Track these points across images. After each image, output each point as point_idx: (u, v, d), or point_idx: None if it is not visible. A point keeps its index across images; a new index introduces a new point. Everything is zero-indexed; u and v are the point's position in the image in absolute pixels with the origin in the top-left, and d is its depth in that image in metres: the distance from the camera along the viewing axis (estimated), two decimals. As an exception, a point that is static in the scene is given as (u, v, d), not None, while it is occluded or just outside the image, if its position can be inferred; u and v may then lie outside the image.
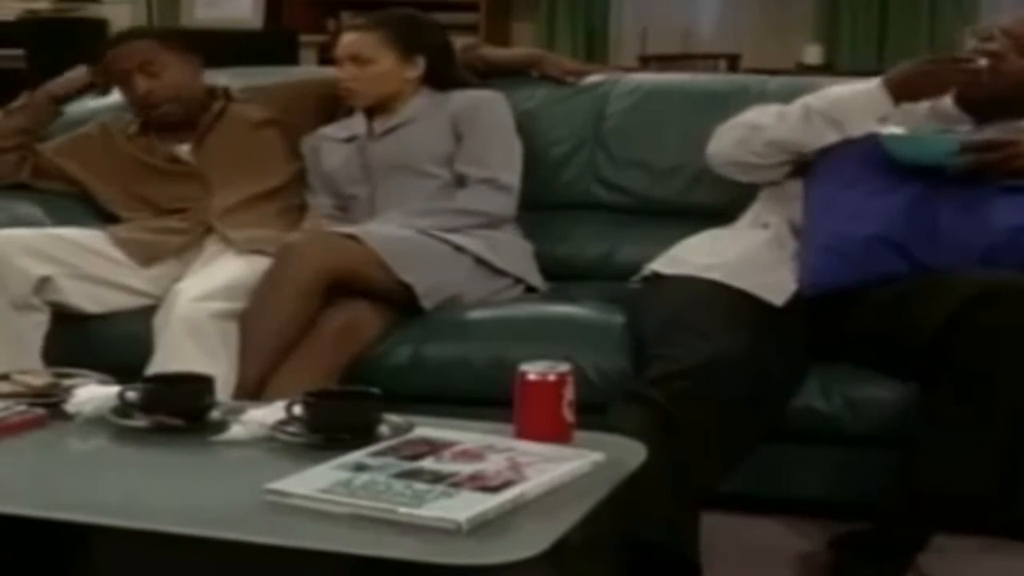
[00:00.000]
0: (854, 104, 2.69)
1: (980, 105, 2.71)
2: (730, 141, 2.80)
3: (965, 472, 2.31)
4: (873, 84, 2.70)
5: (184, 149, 3.19)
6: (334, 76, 3.19)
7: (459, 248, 2.91)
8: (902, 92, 2.68)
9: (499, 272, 2.97)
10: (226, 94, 3.26)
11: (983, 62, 2.67)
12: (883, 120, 2.66)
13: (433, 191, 3.05)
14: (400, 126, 3.12)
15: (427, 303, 2.79)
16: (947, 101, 2.75)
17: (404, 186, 3.06)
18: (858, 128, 2.66)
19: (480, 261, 2.94)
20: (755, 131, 2.76)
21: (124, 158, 3.19)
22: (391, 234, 2.86)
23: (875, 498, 2.43)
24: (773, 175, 2.79)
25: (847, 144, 2.68)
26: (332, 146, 3.17)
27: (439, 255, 2.88)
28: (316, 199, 3.18)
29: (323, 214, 3.13)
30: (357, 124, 3.17)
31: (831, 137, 2.68)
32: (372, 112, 3.16)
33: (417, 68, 3.14)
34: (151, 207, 3.14)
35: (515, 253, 3.05)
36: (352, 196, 3.13)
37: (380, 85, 3.11)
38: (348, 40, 3.14)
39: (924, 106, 2.76)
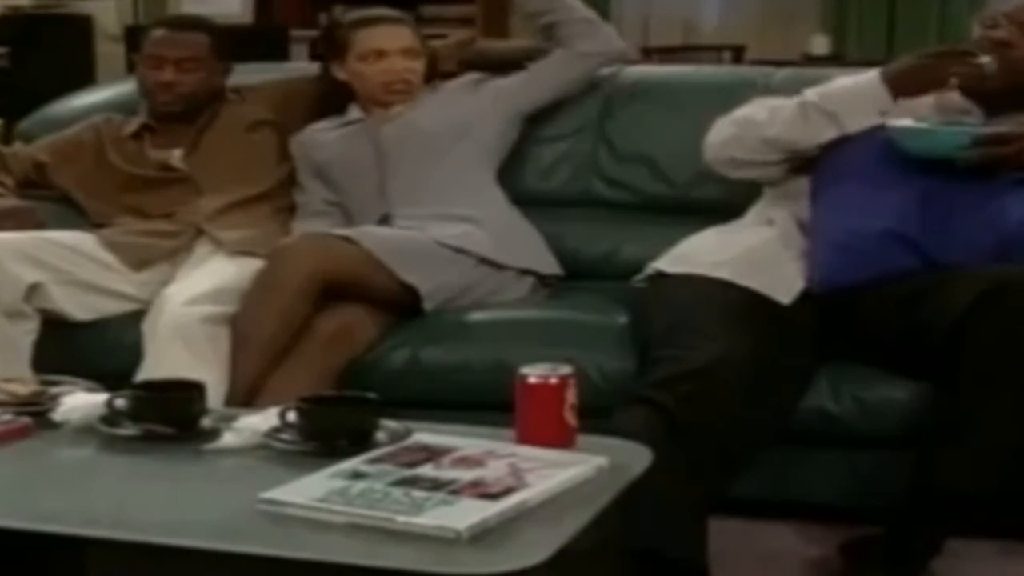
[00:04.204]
0: (852, 99, 2.66)
1: (990, 96, 2.67)
2: (724, 137, 2.77)
3: (981, 472, 2.29)
4: (871, 77, 2.66)
5: (176, 155, 3.17)
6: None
7: (459, 250, 2.87)
8: (901, 87, 2.64)
9: (503, 265, 2.93)
10: (224, 94, 3.25)
11: (985, 58, 2.61)
12: (883, 115, 2.63)
13: (452, 171, 3.00)
14: (402, 112, 3.09)
15: (429, 304, 2.77)
16: (953, 93, 2.71)
17: (420, 169, 3.01)
18: (856, 124, 2.63)
19: (482, 259, 2.90)
20: (750, 127, 2.72)
21: (113, 172, 3.17)
22: (388, 235, 2.85)
23: (887, 502, 2.41)
24: (768, 173, 2.77)
25: (854, 138, 2.65)
26: (327, 136, 3.14)
27: (439, 256, 2.85)
28: (305, 197, 3.15)
29: (313, 210, 3.10)
30: (353, 115, 3.14)
31: (828, 133, 2.65)
32: (369, 108, 3.13)
33: (423, 66, 3.14)
34: (140, 214, 3.12)
35: (521, 244, 3.01)
36: (354, 186, 3.07)
37: (422, 79, 3.11)
38: (396, 32, 3.11)
39: (929, 99, 2.73)
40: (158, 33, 3.23)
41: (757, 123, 2.71)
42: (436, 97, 3.12)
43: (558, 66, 3.12)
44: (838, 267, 2.53)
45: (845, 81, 2.71)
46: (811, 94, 2.69)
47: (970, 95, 2.69)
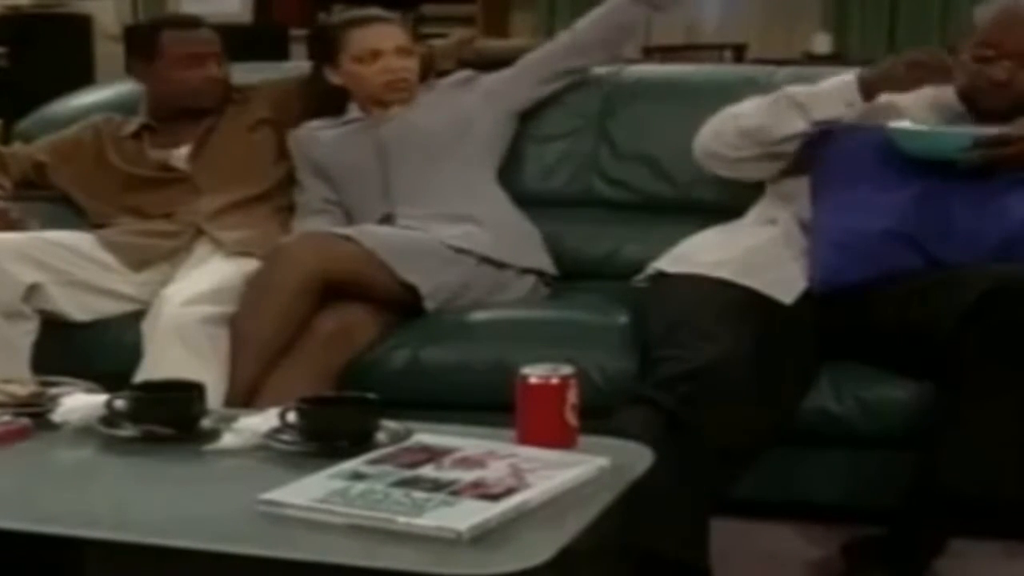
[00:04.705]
0: (823, 93, 2.67)
1: (986, 109, 2.66)
2: (709, 132, 2.78)
3: (984, 472, 2.28)
4: (847, 76, 2.68)
5: (179, 154, 3.16)
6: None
7: (461, 250, 2.86)
8: (873, 89, 2.65)
9: (504, 264, 2.92)
10: (230, 94, 3.25)
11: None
12: (849, 106, 2.64)
13: (453, 170, 2.99)
14: (402, 112, 3.08)
15: (430, 304, 2.76)
16: (950, 94, 2.72)
17: (421, 169, 3.00)
18: (822, 113, 2.64)
19: (483, 258, 2.89)
20: (731, 120, 2.75)
21: (113, 172, 3.16)
22: (388, 234, 2.84)
23: (889, 502, 2.40)
24: (754, 170, 2.77)
25: (854, 138, 2.66)
26: (326, 134, 3.12)
27: (440, 255, 2.84)
28: (305, 196, 3.13)
29: (313, 209, 3.09)
30: (353, 114, 3.12)
31: (797, 124, 2.66)
32: (368, 109, 3.11)
33: (417, 65, 3.12)
34: (139, 214, 3.11)
35: (522, 243, 3.01)
36: (354, 186, 3.06)
37: (418, 78, 3.10)
38: (389, 31, 3.10)
39: (927, 99, 2.72)
40: (177, 33, 3.18)
41: (734, 116, 2.74)
42: (433, 96, 3.11)
43: (547, 60, 3.11)
44: (838, 267, 2.53)
45: (825, 80, 2.73)
46: (788, 89, 2.72)
47: (964, 102, 2.69)
